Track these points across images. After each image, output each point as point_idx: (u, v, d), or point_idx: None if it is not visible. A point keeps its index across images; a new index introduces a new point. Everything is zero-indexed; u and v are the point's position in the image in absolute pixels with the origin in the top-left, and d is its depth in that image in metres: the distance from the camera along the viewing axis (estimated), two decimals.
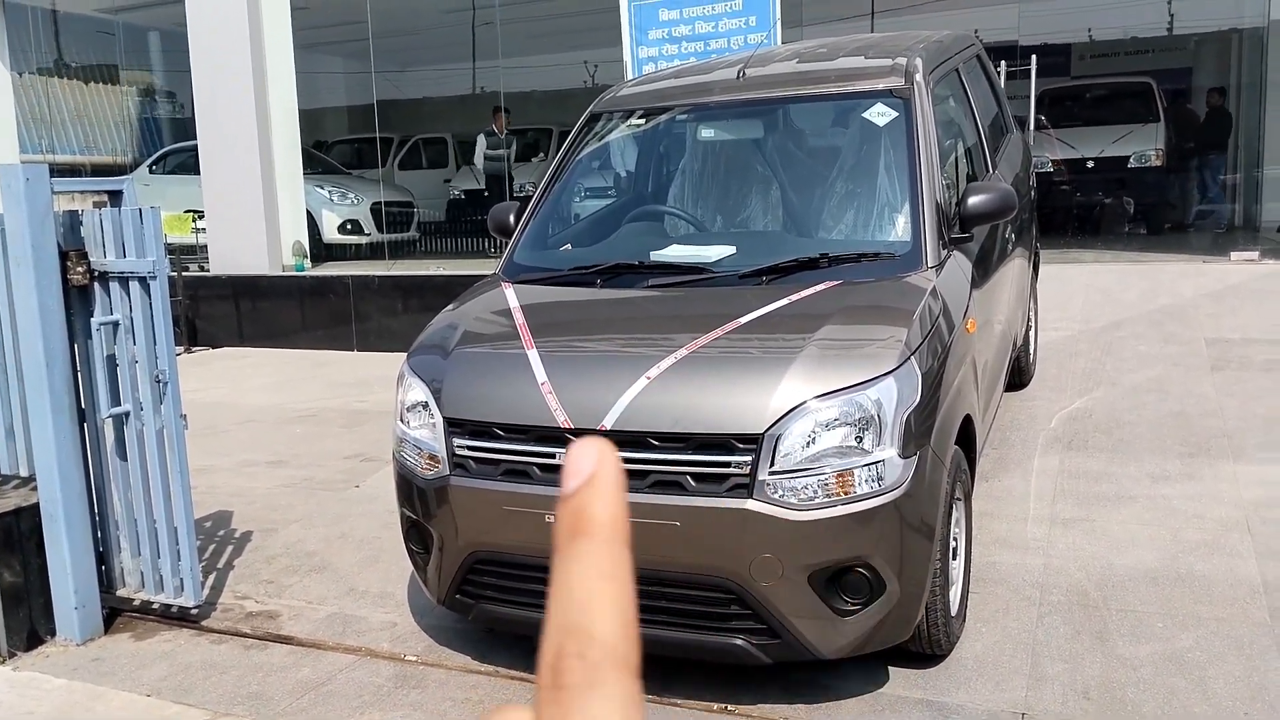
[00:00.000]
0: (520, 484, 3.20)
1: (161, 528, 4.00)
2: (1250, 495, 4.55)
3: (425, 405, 3.46)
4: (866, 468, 2.97)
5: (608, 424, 3.08)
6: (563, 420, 3.14)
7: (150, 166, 14.93)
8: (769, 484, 2.95)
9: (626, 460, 3.06)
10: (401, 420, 3.58)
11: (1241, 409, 5.58)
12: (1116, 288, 8.15)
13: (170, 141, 15.56)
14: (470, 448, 3.31)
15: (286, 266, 11.75)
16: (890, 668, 3.40)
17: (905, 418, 3.02)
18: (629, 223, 4.44)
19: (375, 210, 13.42)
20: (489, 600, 3.38)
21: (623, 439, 3.07)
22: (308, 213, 12.50)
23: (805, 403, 2.97)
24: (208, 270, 11.82)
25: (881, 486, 2.97)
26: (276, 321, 11.04)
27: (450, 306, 3.98)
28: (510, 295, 3.83)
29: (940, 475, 3.17)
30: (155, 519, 4.00)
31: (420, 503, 3.44)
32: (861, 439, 2.99)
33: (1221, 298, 7.66)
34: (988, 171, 4.84)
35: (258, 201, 11.54)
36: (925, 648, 3.35)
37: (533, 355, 3.35)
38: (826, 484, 2.96)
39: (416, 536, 3.55)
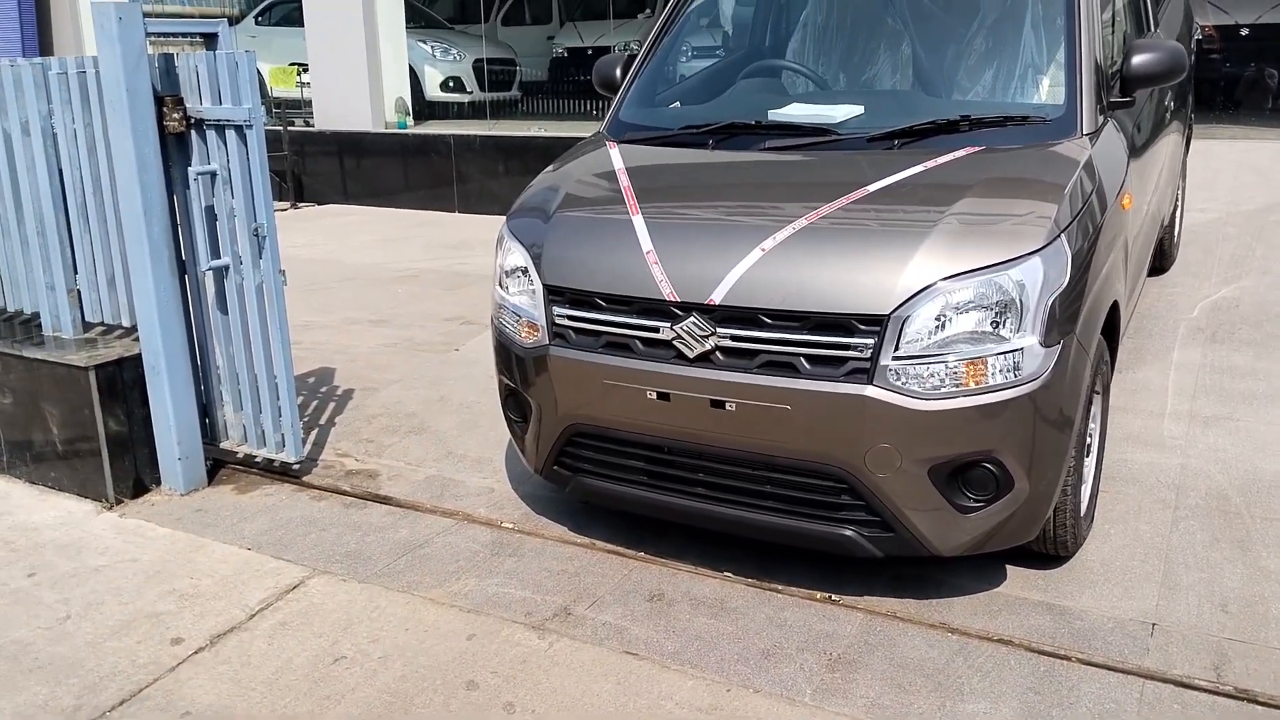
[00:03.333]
0: (622, 357, 3.03)
1: (263, 383, 3.97)
2: None
3: (524, 271, 3.28)
4: (1002, 356, 2.70)
5: (716, 299, 2.86)
6: (668, 293, 2.93)
7: (256, 18, 14.80)
8: (891, 370, 2.71)
9: (735, 339, 2.86)
10: (500, 285, 3.42)
11: None
12: (1271, 168, 7.46)
13: None
14: (570, 317, 3.13)
15: (389, 124, 11.63)
16: (1008, 566, 3.20)
17: (1050, 303, 2.72)
18: (744, 79, 4.10)
19: (477, 68, 13.10)
20: (586, 474, 3.27)
21: (732, 315, 2.85)
22: (410, 69, 12.25)
23: (937, 283, 2.70)
24: (313, 126, 11.77)
25: (1018, 377, 2.70)
26: (380, 179, 10.99)
27: (552, 166, 3.76)
28: (615, 156, 3.58)
29: (1083, 367, 2.88)
30: (257, 374, 3.97)
31: (518, 371, 3.31)
32: (999, 324, 2.71)
33: None
34: (1149, 31, 4.33)
35: (361, 56, 11.36)
36: (1049, 548, 3.13)
37: (638, 221, 3.12)
38: (956, 372, 2.70)
39: (514, 405, 3.44)
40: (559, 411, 3.21)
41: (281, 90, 12.02)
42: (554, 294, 3.17)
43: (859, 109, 3.45)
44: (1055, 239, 2.76)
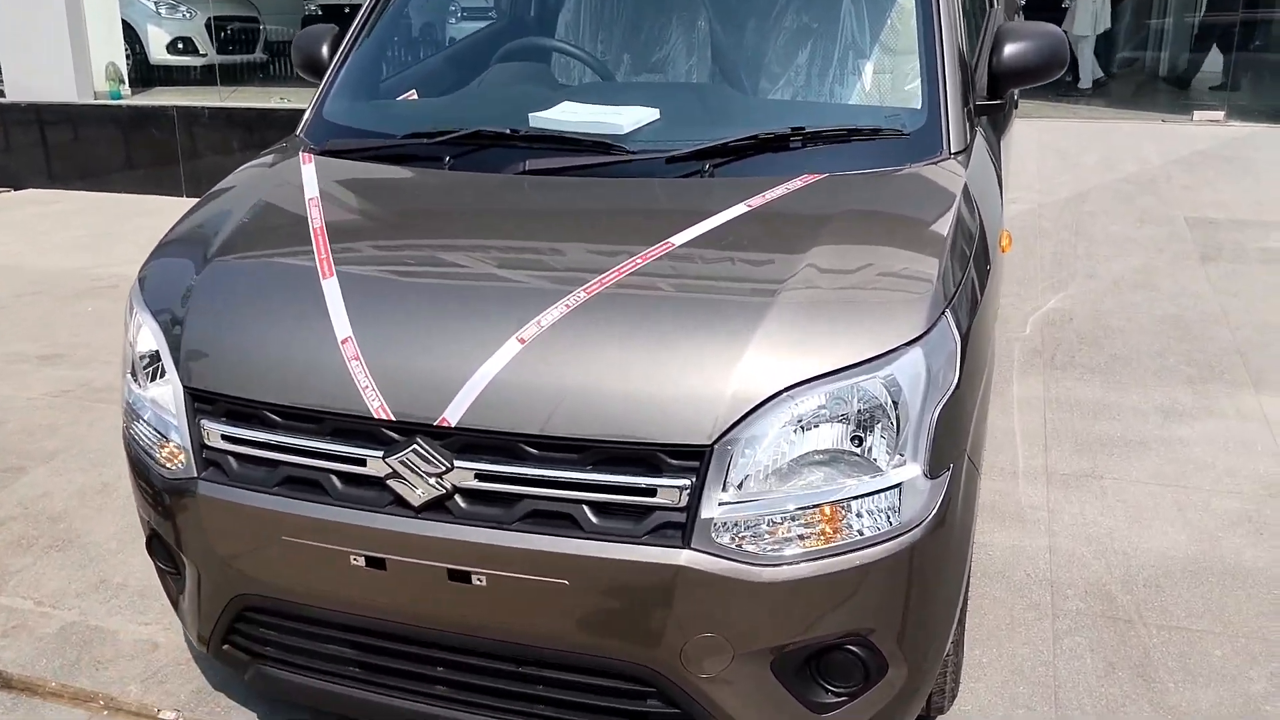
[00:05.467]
0: (310, 502, 1.97)
1: None
2: None
3: (158, 358, 2.15)
4: (875, 495, 1.83)
5: (451, 418, 1.85)
6: (377, 407, 1.89)
7: None
8: (717, 524, 1.79)
9: (483, 477, 1.86)
10: (132, 376, 2.28)
11: (1248, 314, 4.66)
12: (1074, 150, 7.11)
13: None
14: (228, 438, 2.04)
15: (99, 93, 9.83)
16: None
17: (937, 412, 1.87)
18: (500, 62, 3.07)
19: (211, 26, 11.38)
20: (271, 661, 2.19)
21: (478, 442, 1.85)
22: (127, 27, 10.48)
23: (781, 392, 1.79)
24: (4, 97, 9.83)
25: (896, 524, 1.84)
26: (91, 160, 9.27)
27: (220, 185, 2.62)
28: (308, 177, 2.47)
29: (974, 493, 2.07)
30: None
31: (161, 510, 2.18)
32: (867, 447, 1.83)
33: (1193, 166, 6.69)
34: (988, 10, 3.60)
35: (59, 13, 9.54)
36: (921, 711, 2.33)
37: (330, 288, 2.05)
38: (811, 523, 1.81)
39: (162, 553, 2.31)
40: (220, 575, 2.12)
41: None
42: (201, 400, 2.07)
43: (653, 113, 2.47)
44: (939, 319, 1.91)
